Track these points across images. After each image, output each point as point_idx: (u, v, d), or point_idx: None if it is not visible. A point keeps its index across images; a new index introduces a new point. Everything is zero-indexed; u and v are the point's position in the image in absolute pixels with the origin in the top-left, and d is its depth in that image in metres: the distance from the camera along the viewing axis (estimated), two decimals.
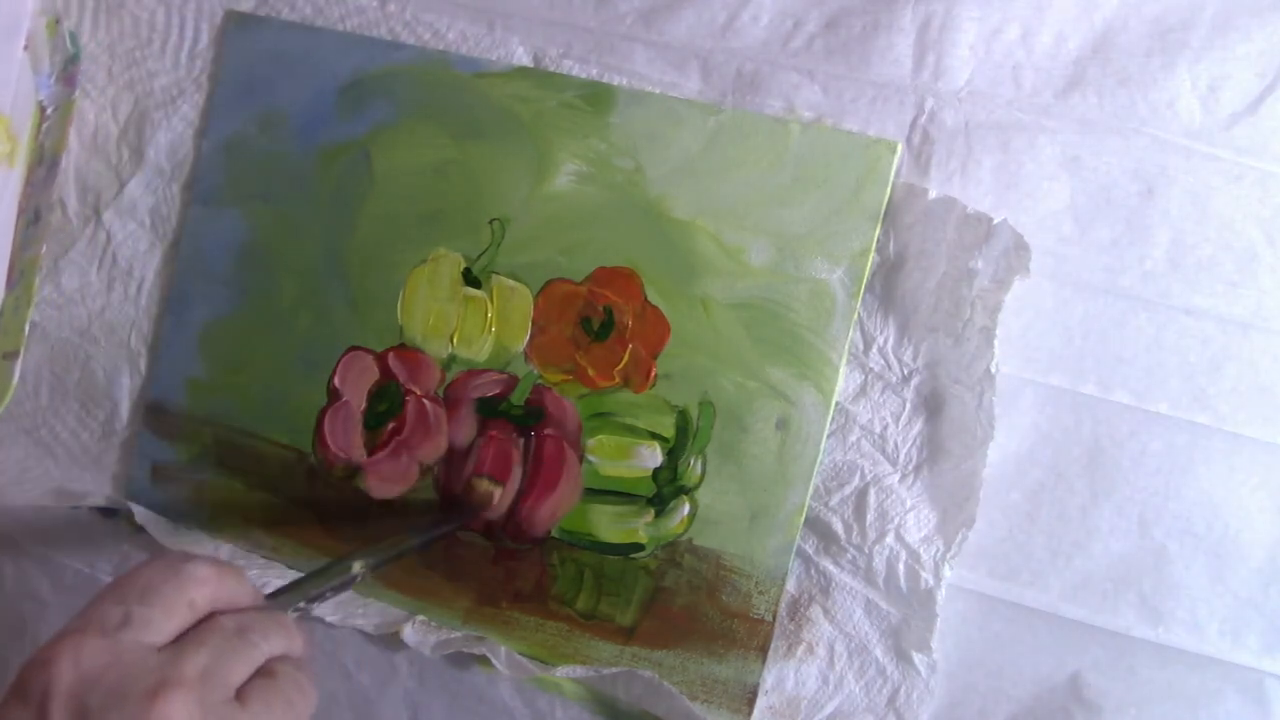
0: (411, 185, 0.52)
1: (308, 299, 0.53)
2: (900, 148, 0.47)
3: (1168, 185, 0.46)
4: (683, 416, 0.49)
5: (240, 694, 0.32)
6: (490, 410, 0.51)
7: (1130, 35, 0.46)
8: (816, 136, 0.48)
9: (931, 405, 0.47)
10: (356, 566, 0.43)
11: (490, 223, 0.51)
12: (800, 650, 0.48)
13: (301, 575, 0.42)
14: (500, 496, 0.50)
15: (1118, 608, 0.46)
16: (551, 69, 0.51)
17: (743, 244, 0.48)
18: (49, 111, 0.55)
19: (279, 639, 0.34)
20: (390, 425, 0.52)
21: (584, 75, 0.51)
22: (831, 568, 0.48)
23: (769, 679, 0.48)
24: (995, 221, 0.45)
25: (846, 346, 0.47)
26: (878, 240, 0.47)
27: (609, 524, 0.50)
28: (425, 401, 0.52)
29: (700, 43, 0.50)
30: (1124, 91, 0.46)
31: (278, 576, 0.52)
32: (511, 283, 0.51)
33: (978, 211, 0.45)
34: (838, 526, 0.48)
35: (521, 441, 0.51)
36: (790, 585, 0.48)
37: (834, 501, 0.48)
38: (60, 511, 0.56)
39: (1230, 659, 0.46)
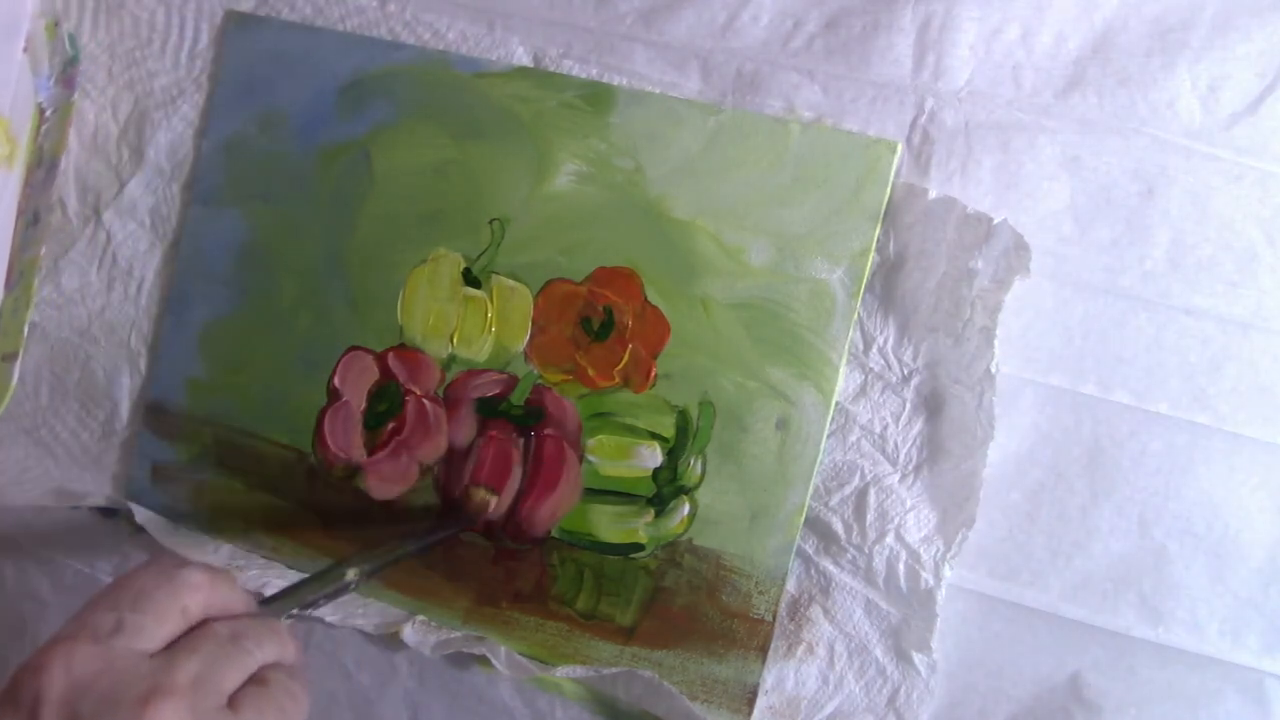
0: (411, 185, 0.52)
1: (308, 299, 0.53)
2: (900, 148, 0.47)
3: (1168, 185, 0.46)
4: (683, 416, 0.49)
5: (232, 701, 0.32)
6: (490, 410, 0.51)
7: (1130, 35, 0.46)
8: (816, 136, 0.47)
9: (931, 405, 0.47)
10: (351, 574, 0.43)
11: (490, 223, 0.51)
12: (800, 650, 0.48)
13: (296, 581, 0.42)
14: (496, 504, 0.50)
15: (1118, 608, 0.46)
16: (551, 69, 0.51)
17: (743, 244, 0.48)
18: (48, 113, 0.55)
19: (272, 646, 0.34)
20: (390, 425, 0.52)
21: (584, 75, 0.50)
22: (831, 568, 0.48)
23: (769, 679, 0.48)
24: (995, 221, 0.45)
25: (846, 346, 0.47)
26: (878, 240, 0.47)
27: (609, 524, 0.49)
28: (425, 401, 0.52)
29: (700, 43, 0.50)
30: (1124, 91, 0.46)
31: (277, 576, 0.52)
32: (511, 283, 0.51)
33: (978, 211, 0.45)
34: (838, 526, 0.47)
35: (521, 441, 0.51)
36: (790, 585, 0.48)
37: (834, 501, 0.48)
38: (60, 511, 0.56)
39: (1230, 659, 0.45)
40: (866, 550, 0.47)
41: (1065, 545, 0.46)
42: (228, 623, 0.33)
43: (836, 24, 0.48)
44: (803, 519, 0.47)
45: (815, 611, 0.48)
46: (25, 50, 0.52)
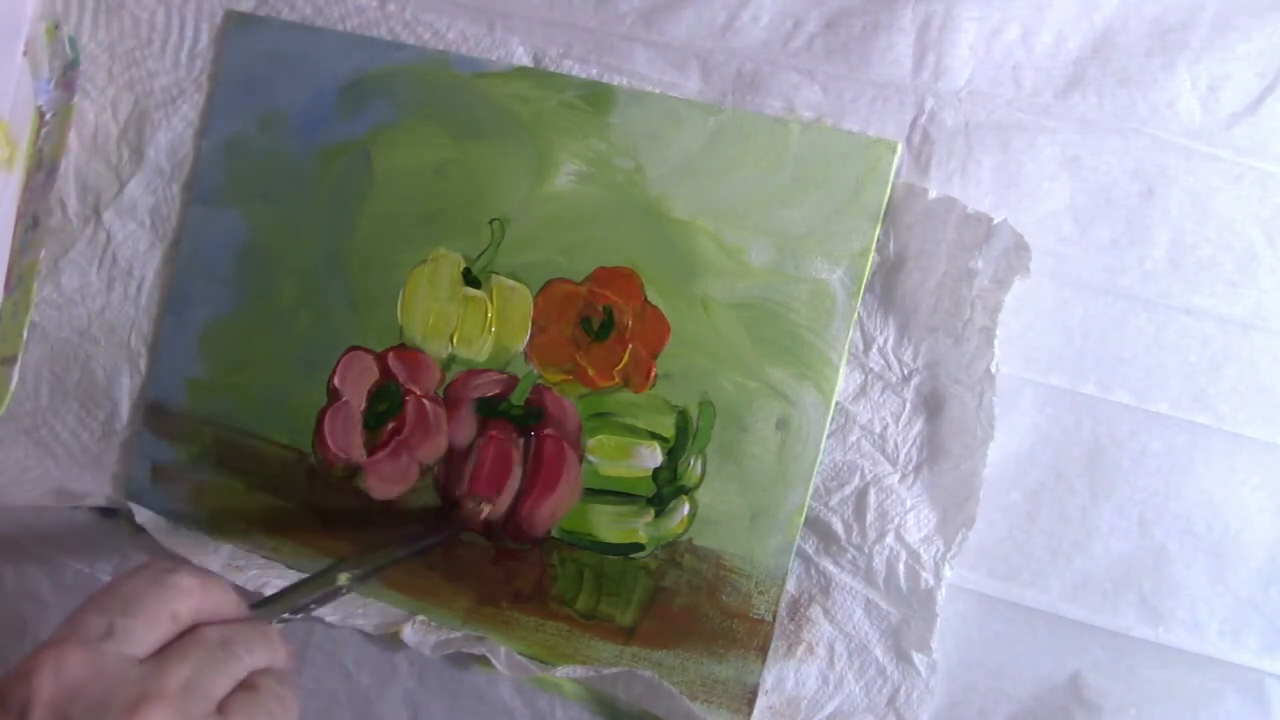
0: (411, 185, 0.52)
1: (308, 299, 0.53)
2: (900, 148, 0.46)
3: (1168, 185, 0.45)
4: (683, 416, 0.48)
5: (222, 707, 0.32)
6: (490, 410, 0.51)
7: (1130, 35, 0.46)
8: (816, 136, 0.47)
9: (931, 405, 0.47)
10: (343, 578, 0.42)
11: (490, 223, 0.51)
12: (800, 650, 0.48)
13: (287, 585, 0.42)
14: (491, 509, 0.50)
15: (1118, 608, 0.46)
16: (551, 69, 0.51)
17: (743, 244, 0.48)
18: (48, 117, 0.54)
19: (263, 651, 0.34)
20: (390, 425, 0.52)
21: (584, 75, 0.50)
22: (831, 568, 0.48)
23: (769, 679, 0.48)
24: (995, 221, 0.44)
25: (846, 346, 0.47)
26: (878, 240, 0.47)
27: (609, 524, 0.49)
28: (425, 401, 0.52)
29: (700, 43, 0.50)
30: (1124, 91, 0.46)
31: (277, 577, 0.51)
32: (511, 283, 0.51)
33: (978, 211, 0.45)
34: (838, 526, 0.47)
35: (521, 441, 0.50)
36: (790, 585, 0.48)
37: (834, 501, 0.47)
38: (60, 511, 0.55)
39: (1230, 659, 0.45)
40: (866, 550, 0.47)
41: (1065, 545, 0.46)
42: (218, 628, 0.33)
43: (836, 24, 0.48)
44: (803, 519, 0.47)
45: (815, 611, 0.47)
46: (25, 53, 0.52)
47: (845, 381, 0.47)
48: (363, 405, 0.52)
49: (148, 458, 0.55)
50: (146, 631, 0.32)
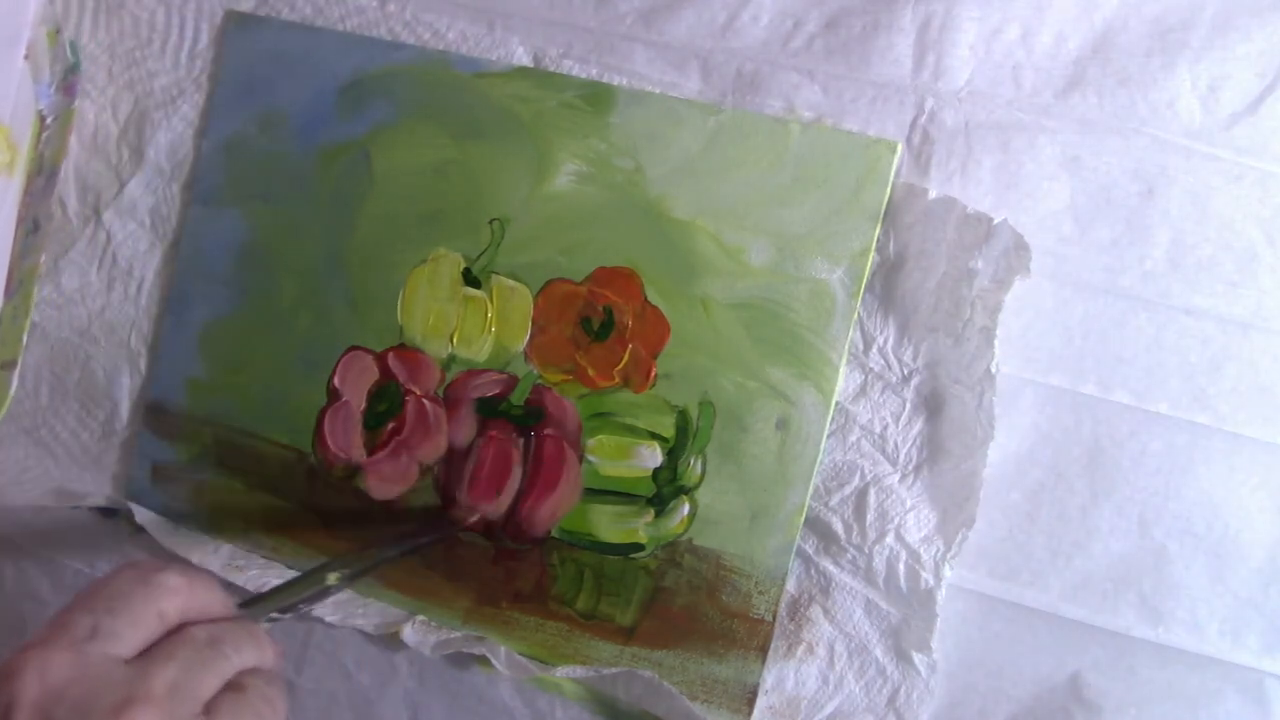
0: (411, 185, 0.51)
1: (308, 299, 0.52)
2: (900, 148, 0.46)
3: (1168, 185, 0.45)
4: (683, 416, 0.48)
5: (209, 707, 0.31)
6: (490, 410, 0.51)
7: (1130, 35, 0.45)
8: (816, 136, 0.47)
9: (931, 405, 0.46)
10: (332, 578, 0.42)
11: (490, 223, 0.51)
12: (800, 650, 0.47)
13: (276, 585, 0.42)
14: (485, 514, 0.50)
15: (1118, 608, 0.45)
16: (551, 69, 0.50)
17: (743, 244, 0.47)
18: (49, 121, 0.54)
19: (250, 651, 0.33)
20: (390, 425, 0.51)
21: (584, 75, 0.49)
22: (831, 568, 0.47)
23: (769, 679, 0.47)
24: (995, 221, 0.44)
25: (846, 346, 0.46)
26: (878, 240, 0.46)
27: (609, 524, 0.49)
28: (425, 401, 0.51)
29: (700, 43, 0.50)
30: (1124, 91, 0.45)
31: (277, 576, 0.51)
32: (511, 283, 0.50)
33: (978, 211, 0.44)
34: (838, 526, 0.47)
35: (521, 441, 0.50)
36: (790, 585, 0.47)
37: (834, 501, 0.47)
38: (60, 511, 0.55)
39: (1230, 659, 0.44)
40: (866, 550, 0.47)
41: (1065, 545, 0.46)
42: (205, 627, 0.32)
43: (836, 24, 0.48)
44: (803, 519, 0.47)
45: (815, 611, 0.47)
46: (26, 57, 0.51)
47: (845, 381, 0.47)
48: (363, 405, 0.52)
49: (148, 458, 0.55)
50: (132, 631, 0.31)
